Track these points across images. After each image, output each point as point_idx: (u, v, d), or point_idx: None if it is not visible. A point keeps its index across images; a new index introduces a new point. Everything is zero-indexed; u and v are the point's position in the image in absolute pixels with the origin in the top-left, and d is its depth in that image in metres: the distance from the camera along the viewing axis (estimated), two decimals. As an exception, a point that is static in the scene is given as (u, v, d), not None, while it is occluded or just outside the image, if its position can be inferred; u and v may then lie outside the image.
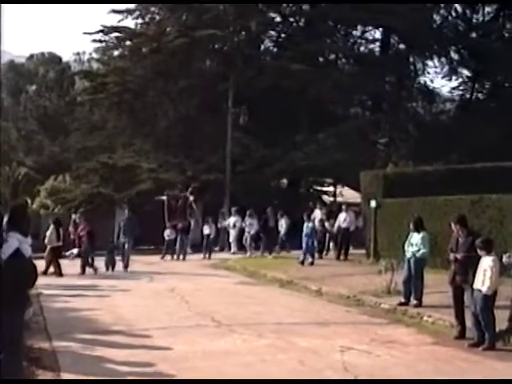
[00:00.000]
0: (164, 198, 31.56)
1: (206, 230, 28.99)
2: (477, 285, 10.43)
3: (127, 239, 22.93)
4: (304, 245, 23.54)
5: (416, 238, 14.22)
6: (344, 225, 25.11)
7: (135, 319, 12.89)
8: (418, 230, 14.34)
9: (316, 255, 24.25)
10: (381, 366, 9.17)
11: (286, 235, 28.17)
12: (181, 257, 27.37)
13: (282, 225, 28.22)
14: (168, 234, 28.20)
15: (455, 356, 9.96)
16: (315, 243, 24.20)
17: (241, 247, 29.60)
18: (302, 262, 23.06)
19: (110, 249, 22.82)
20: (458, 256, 11.12)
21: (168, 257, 27.53)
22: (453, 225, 11.58)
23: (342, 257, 24.76)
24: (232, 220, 30.32)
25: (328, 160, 34.37)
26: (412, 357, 9.81)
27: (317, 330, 11.74)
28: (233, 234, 30.27)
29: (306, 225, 23.96)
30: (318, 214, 26.72)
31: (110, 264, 22.31)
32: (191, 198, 34.50)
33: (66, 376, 8.59)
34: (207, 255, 28.02)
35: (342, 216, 25.40)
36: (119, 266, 22.55)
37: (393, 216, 22.07)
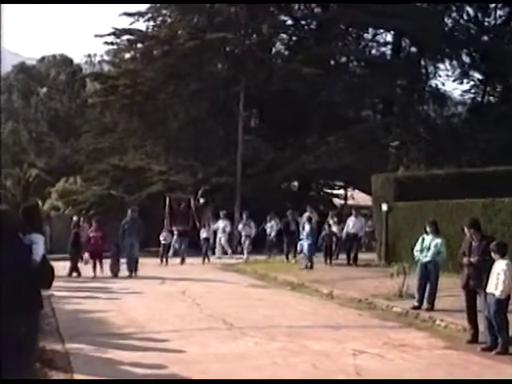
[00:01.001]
0: (166, 200, 30.93)
1: (204, 234, 28.31)
2: (490, 289, 10.37)
3: (133, 242, 21.93)
4: (301, 248, 23.76)
5: (434, 241, 14.12)
6: (353, 230, 24.56)
7: (147, 321, 12.90)
8: (437, 232, 14.27)
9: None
10: (393, 370, 9.12)
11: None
12: (179, 260, 26.66)
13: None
14: (164, 237, 27.43)
15: (468, 360, 9.90)
16: (312, 246, 23.57)
17: (234, 251, 29.66)
18: (308, 266, 22.80)
19: (114, 252, 22.15)
20: (472, 260, 11.04)
21: (164, 261, 26.65)
22: (466, 229, 11.48)
23: (351, 262, 24.20)
24: (221, 224, 29.60)
25: (338, 163, 34.43)
26: (425, 361, 9.76)
27: (329, 334, 11.70)
28: (222, 238, 29.57)
29: (306, 227, 23.75)
30: (304, 217, 26.25)
31: (115, 269, 21.63)
32: (201, 200, 34.56)
33: (78, 377, 8.61)
34: (206, 259, 27.34)
35: (351, 221, 24.78)
36: (123, 269, 21.85)
37: (404, 219, 22.02)
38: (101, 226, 22.48)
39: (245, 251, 28.20)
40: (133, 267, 21.72)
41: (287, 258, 25.84)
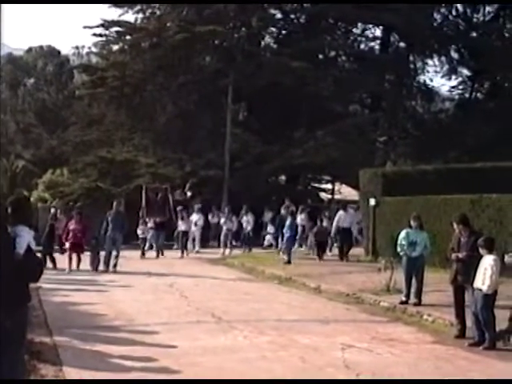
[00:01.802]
0: (143, 190, 29.38)
1: (182, 227, 27.50)
2: (477, 284, 10.43)
3: (116, 236, 21.00)
4: (284, 242, 23.57)
5: (420, 236, 14.19)
6: (345, 225, 24.20)
7: (135, 314, 12.90)
8: (421, 228, 14.33)
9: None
10: (382, 364, 9.18)
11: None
12: (158, 253, 26.18)
13: (303, 219, 26.94)
14: (142, 230, 26.99)
15: (456, 355, 9.97)
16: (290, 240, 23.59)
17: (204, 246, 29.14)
18: (286, 261, 22.62)
19: (93, 246, 21.21)
20: (460, 255, 11.09)
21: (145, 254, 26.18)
22: (455, 224, 11.55)
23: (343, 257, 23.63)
24: (194, 218, 28.77)
25: (326, 157, 34.44)
26: (413, 355, 9.82)
27: (317, 328, 11.74)
28: (196, 233, 28.63)
29: (288, 221, 23.59)
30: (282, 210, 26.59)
31: (95, 263, 20.74)
32: (189, 193, 34.48)
33: (67, 370, 8.59)
34: (185, 253, 26.70)
35: (342, 215, 24.40)
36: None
37: (392, 214, 22.06)
38: (82, 218, 21.31)
39: (228, 245, 27.75)
40: (112, 262, 20.70)
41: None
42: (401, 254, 14.40)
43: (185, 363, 9.02)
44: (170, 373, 8.60)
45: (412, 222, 14.37)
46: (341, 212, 24.61)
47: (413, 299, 13.89)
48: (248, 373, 8.62)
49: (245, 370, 8.73)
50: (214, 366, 8.97)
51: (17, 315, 6.73)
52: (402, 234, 14.36)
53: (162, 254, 26.20)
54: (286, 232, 23.23)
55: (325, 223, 25.38)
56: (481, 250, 10.55)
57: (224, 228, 28.15)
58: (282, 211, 27.14)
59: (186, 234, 27.51)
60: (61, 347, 9.90)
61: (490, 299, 10.36)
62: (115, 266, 20.67)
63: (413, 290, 14.02)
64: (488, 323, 10.33)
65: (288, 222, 23.51)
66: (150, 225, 27.46)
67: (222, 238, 28.24)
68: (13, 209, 7.39)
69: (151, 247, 27.23)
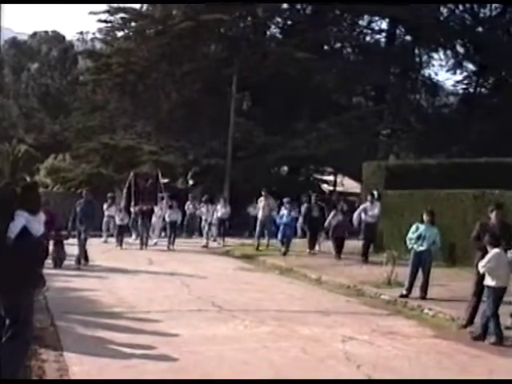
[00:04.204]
0: (130, 176, 26.85)
1: (171, 216, 25.60)
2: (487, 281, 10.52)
3: (84, 228, 18.94)
4: (280, 234, 22.84)
5: (430, 231, 14.11)
6: (370, 219, 21.30)
7: (136, 301, 12.87)
8: (433, 223, 14.27)
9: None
10: (383, 357, 9.17)
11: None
12: (143, 244, 24.45)
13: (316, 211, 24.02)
14: (121, 218, 25.30)
15: (456, 349, 9.96)
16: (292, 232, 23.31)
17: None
18: (282, 252, 22.35)
19: (56, 239, 17.49)
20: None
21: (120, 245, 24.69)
22: (493, 212, 11.65)
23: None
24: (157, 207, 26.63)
25: (329, 149, 34.42)
26: (413, 349, 9.81)
27: (318, 319, 11.73)
28: (157, 223, 26.59)
29: (285, 213, 23.23)
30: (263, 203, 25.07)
31: (58, 258, 17.73)
32: (190, 182, 34.46)
33: (68, 355, 8.59)
34: (171, 244, 24.87)
35: (367, 208, 21.44)
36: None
37: (394, 207, 21.99)
38: (48, 209, 17.19)
39: (205, 235, 26.61)
40: (84, 256, 18.81)
41: (312, 248, 23.18)
42: (409, 247, 14.36)
43: (185, 351, 9.01)
44: (169, 360, 8.59)
45: (424, 216, 14.25)
46: (367, 204, 21.65)
47: (418, 293, 13.81)
48: (248, 362, 8.62)
49: (245, 360, 8.72)
50: (214, 354, 8.96)
51: (14, 298, 6.76)
52: (413, 227, 14.31)
53: (145, 246, 24.49)
54: (288, 227, 22.96)
55: (340, 216, 22.13)
56: (488, 247, 10.58)
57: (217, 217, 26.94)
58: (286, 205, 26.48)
59: (175, 224, 25.72)
60: (62, 332, 9.90)
61: (494, 292, 10.37)
62: (81, 260, 18.64)
63: (418, 284, 13.97)
64: (493, 318, 10.33)
65: (287, 213, 23.27)
66: (132, 212, 25.75)
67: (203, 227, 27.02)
68: (19, 194, 7.42)
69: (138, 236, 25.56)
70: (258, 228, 24.80)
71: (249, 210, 29.64)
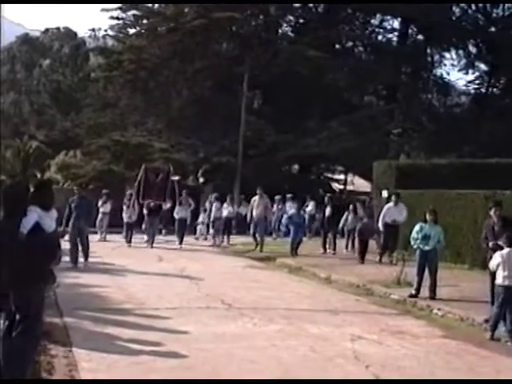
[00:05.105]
0: (141, 170, 26.31)
1: (181, 213, 25.39)
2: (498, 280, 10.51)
3: (82, 226, 18.13)
4: (293, 233, 22.41)
5: (434, 230, 14.09)
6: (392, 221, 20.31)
7: (145, 298, 12.89)
8: (436, 222, 14.24)
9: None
10: (392, 357, 9.14)
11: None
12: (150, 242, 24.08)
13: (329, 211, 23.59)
14: (129, 215, 24.81)
15: (465, 350, 9.92)
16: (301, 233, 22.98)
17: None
18: (292, 252, 22.02)
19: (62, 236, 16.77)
20: (501, 243, 10.85)
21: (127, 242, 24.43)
22: (492, 210, 11.55)
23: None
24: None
25: (340, 148, 34.41)
26: (422, 349, 9.78)
27: (327, 318, 11.72)
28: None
29: (295, 212, 23.26)
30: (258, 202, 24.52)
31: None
32: (201, 180, 34.48)
33: (77, 351, 8.61)
34: (180, 244, 24.60)
35: (391, 209, 20.51)
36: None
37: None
38: None
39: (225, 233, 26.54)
40: (83, 254, 17.98)
41: (324, 248, 23.11)
42: (414, 247, 14.33)
43: (194, 348, 9.01)
44: (178, 357, 8.59)
45: (428, 216, 14.23)
46: (390, 204, 20.75)
47: (427, 293, 13.78)
48: (257, 360, 8.62)
49: (254, 358, 8.72)
50: (223, 352, 8.96)
51: (25, 294, 6.78)
52: (416, 227, 14.26)
53: (151, 244, 24.11)
54: (299, 226, 22.78)
55: (365, 219, 21.64)
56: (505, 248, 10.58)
57: (223, 215, 26.22)
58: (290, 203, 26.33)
59: (185, 222, 25.50)
60: (71, 328, 9.93)
61: (504, 292, 10.34)
62: (87, 257, 18.04)
63: (426, 284, 13.93)
64: (505, 316, 10.33)
65: (295, 212, 23.24)
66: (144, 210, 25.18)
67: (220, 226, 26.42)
68: (33, 190, 7.46)
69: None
70: (251, 227, 24.58)
71: (239, 209, 29.44)
